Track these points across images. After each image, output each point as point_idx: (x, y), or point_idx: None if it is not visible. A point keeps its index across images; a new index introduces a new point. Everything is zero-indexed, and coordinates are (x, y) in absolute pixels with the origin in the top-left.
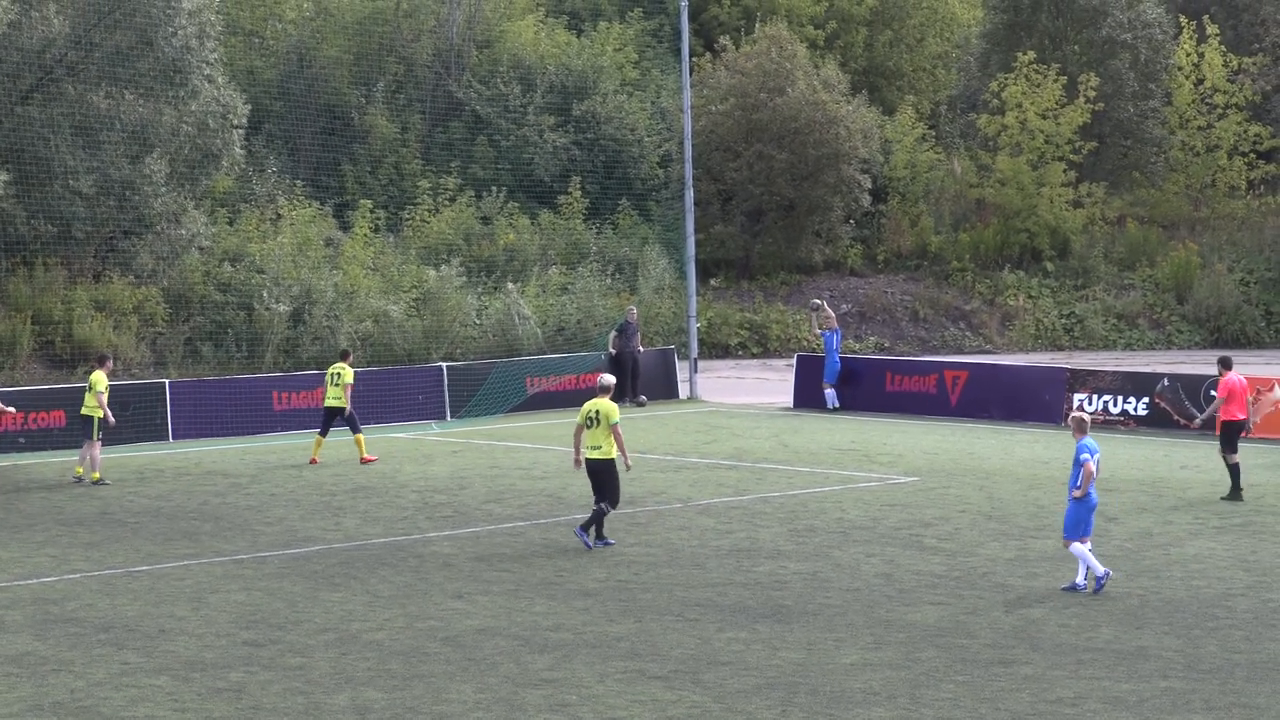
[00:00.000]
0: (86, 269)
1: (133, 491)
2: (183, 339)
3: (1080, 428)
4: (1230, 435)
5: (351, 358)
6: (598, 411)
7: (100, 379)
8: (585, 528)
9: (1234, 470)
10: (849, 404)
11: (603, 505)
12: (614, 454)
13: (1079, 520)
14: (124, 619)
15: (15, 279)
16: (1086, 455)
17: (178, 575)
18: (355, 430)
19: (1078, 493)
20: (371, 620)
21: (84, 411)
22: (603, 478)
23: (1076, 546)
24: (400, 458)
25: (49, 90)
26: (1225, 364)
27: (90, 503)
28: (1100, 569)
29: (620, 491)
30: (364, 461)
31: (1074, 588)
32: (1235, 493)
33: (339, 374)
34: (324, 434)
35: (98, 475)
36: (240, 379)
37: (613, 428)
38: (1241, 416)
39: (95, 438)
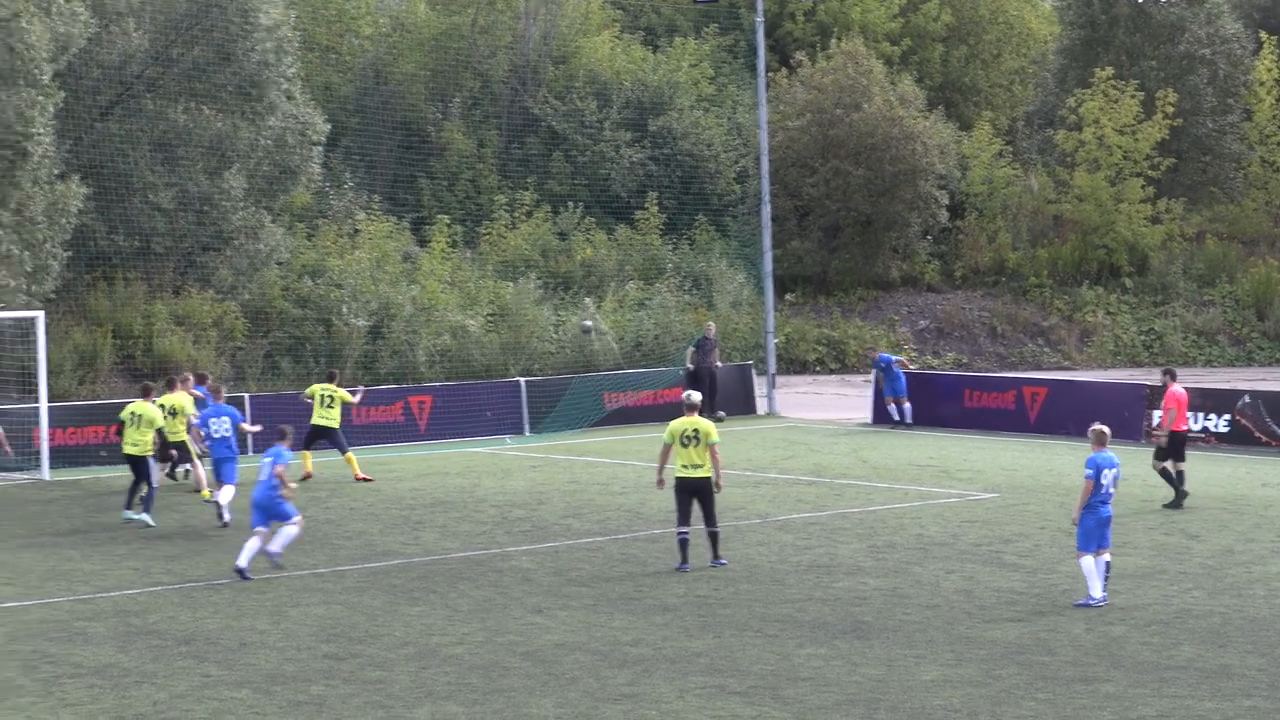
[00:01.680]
0: (166, 283)
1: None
2: (262, 353)
3: (1098, 440)
4: (1177, 445)
5: (339, 379)
6: (697, 430)
7: (186, 402)
8: (716, 556)
9: (1174, 477)
10: (927, 420)
11: (713, 530)
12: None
13: (1087, 533)
14: (205, 632)
15: (96, 293)
16: (1089, 470)
17: (258, 589)
18: (344, 450)
19: (1074, 514)
20: (451, 634)
21: (174, 439)
22: (703, 496)
23: (1085, 560)
24: (479, 472)
25: (128, 105)
26: (1171, 375)
27: (172, 516)
28: (1099, 593)
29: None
30: (360, 480)
31: (1087, 603)
32: (1179, 500)
33: (332, 395)
34: (309, 448)
35: (208, 493)
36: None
37: (712, 447)
38: (1185, 428)
39: (195, 458)
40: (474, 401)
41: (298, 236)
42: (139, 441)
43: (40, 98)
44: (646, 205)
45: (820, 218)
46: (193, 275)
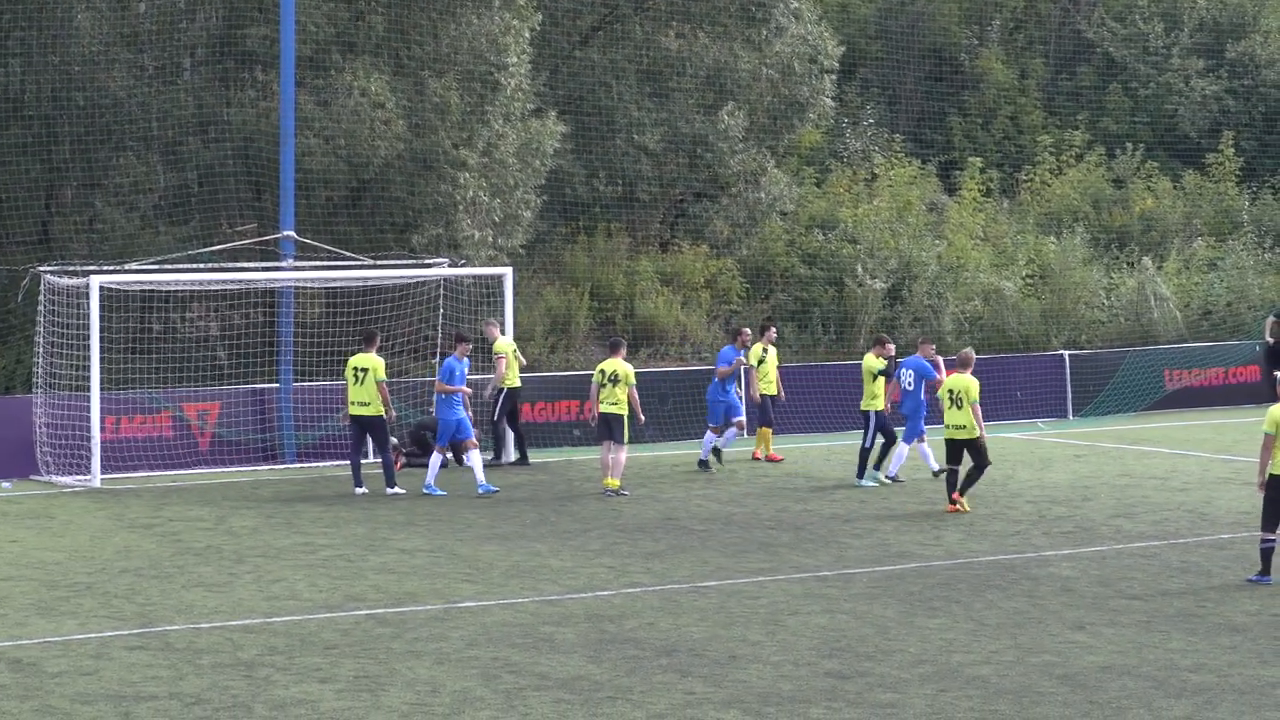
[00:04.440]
0: (652, 236)
1: (700, 495)
2: (761, 319)
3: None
4: None
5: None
6: None
7: (628, 370)
8: None
9: None
10: None
11: None
12: None
13: None
14: (689, 642)
15: (573, 247)
16: None
17: (751, 593)
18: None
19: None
20: (976, 652)
21: (608, 409)
22: None
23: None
24: (1013, 462)
25: (613, 30)
26: None
27: (652, 507)
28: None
29: None
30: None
31: None
32: None
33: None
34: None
35: (618, 483)
36: (827, 366)
37: None
38: None
39: (624, 440)
40: (1009, 378)
41: (805, 183)
42: (367, 400)
43: (515, 21)
44: (1220, 147)
45: None
46: (683, 228)
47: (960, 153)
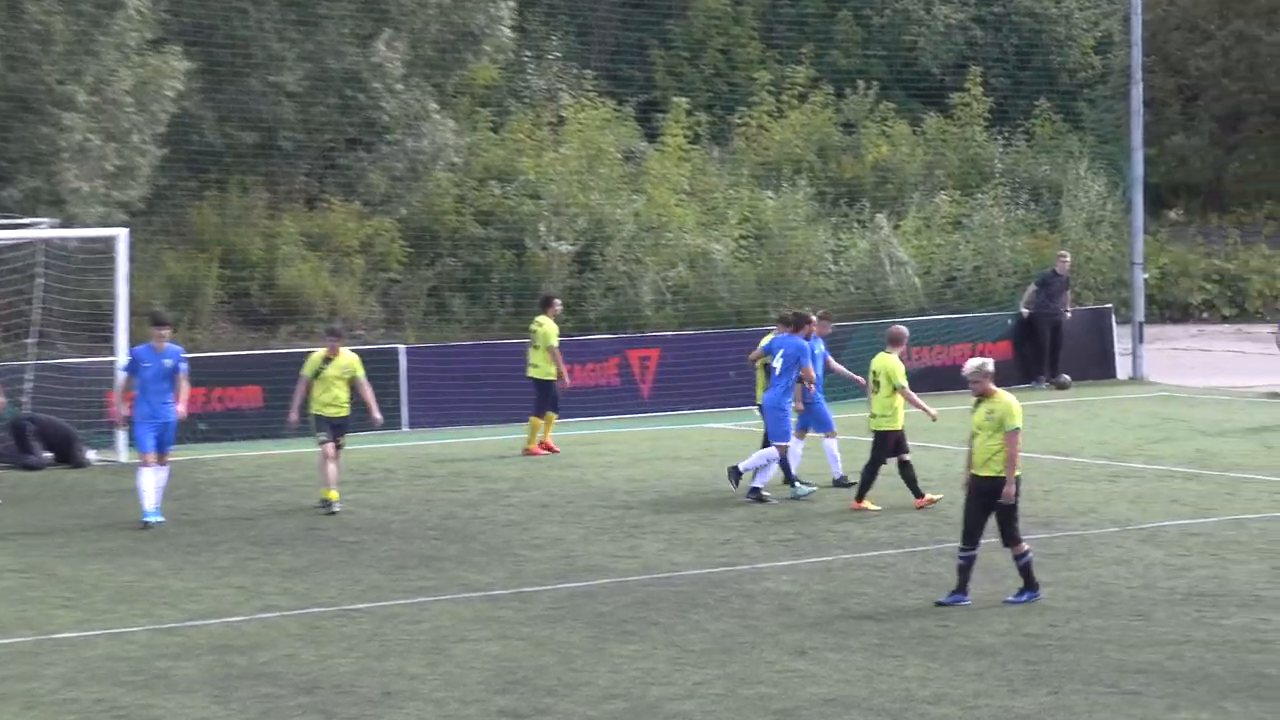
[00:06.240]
0: (295, 192)
1: (351, 499)
2: (426, 288)
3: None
4: None
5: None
6: (992, 413)
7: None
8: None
9: None
10: None
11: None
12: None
13: None
14: (335, 676)
15: (201, 204)
16: None
17: (410, 617)
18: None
19: None
20: (678, 684)
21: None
22: (997, 502)
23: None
24: (722, 457)
25: None
26: None
27: (293, 515)
28: None
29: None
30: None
31: None
32: None
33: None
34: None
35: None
36: (503, 344)
37: (1009, 436)
38: None
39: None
40: (718, 358)
41: (479, 128)
42: None
43: None
44: (967, 85)
45: (1214, 102)
46: (332, 181)
47: (663, 92)
